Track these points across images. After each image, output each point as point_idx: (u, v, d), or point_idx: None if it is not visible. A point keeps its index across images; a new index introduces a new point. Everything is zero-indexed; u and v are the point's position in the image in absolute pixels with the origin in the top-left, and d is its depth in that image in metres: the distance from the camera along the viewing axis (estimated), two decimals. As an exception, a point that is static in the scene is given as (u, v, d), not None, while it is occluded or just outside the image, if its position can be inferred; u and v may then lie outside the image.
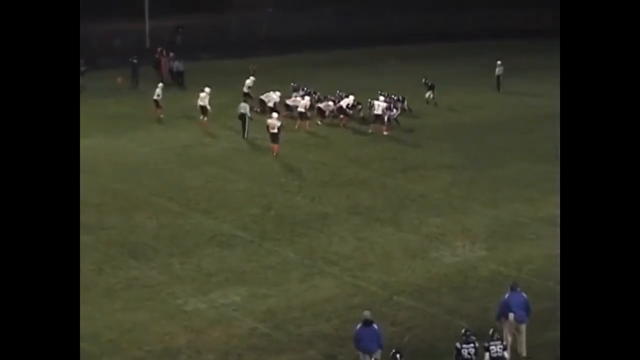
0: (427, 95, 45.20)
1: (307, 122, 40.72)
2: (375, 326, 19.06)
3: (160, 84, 44.10)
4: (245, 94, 43.48)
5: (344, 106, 41.55)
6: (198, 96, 41.48)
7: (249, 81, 44.90)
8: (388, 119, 40.34)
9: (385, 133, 39.58)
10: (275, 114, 37.69)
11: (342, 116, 41.50)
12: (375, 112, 40.37)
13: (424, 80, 45.96)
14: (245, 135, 39.03)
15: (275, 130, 36.41)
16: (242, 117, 39.07)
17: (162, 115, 42.66)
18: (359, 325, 19.11)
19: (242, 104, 39.72)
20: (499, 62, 48.69)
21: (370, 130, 40.02)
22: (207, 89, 41.35)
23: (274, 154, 36.49)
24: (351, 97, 41.93)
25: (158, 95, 42.64)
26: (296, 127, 40.37)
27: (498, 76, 48.44)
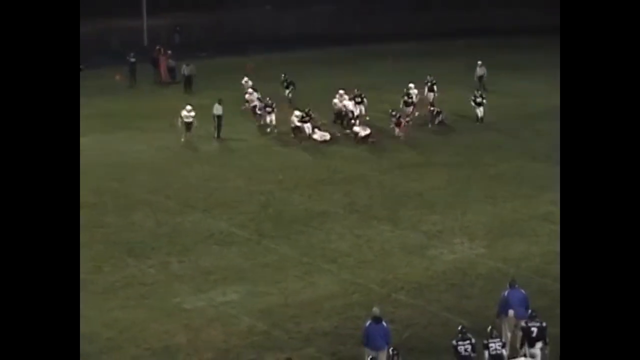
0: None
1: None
2: (384, 323, 19.07)
3: (188, 107, 38.93)
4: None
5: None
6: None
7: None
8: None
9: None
10: (297, 112, 38.96)
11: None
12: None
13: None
14: (218, 135, 39.11)
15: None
16: (217, 117, 39.11)
17: (183, 140, 38.48)
18: (368, 322, 19.11)
19: (216, 105, 39.53)
20: (479, 63, 48.02)
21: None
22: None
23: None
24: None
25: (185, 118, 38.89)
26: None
27: (480, 76, 47.69)
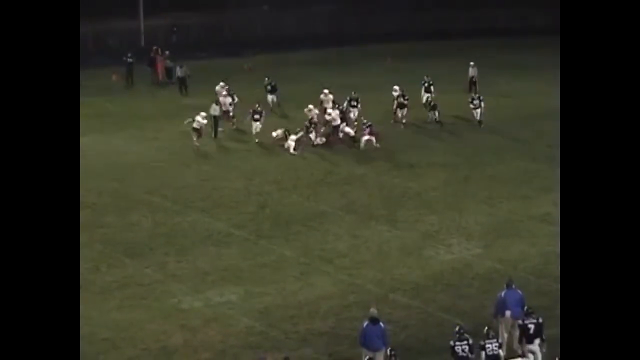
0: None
1: None
2: (382, 324, 19.13)
3: (203, 113, 38.19)
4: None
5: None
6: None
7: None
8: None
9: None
10: (293, 135, 37.31)
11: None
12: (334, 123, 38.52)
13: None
14: (215, 135, 38.98)
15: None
16: (214, 118, 39.03)
17: (197, 144, 37.45)
18: (365, 323, 19.16)
19: (213, 106, 39.45)
20: (471, 63, 47.52)
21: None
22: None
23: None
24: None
25: (193, 121, 38.00)
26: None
27: (472, 77, 47.22)
